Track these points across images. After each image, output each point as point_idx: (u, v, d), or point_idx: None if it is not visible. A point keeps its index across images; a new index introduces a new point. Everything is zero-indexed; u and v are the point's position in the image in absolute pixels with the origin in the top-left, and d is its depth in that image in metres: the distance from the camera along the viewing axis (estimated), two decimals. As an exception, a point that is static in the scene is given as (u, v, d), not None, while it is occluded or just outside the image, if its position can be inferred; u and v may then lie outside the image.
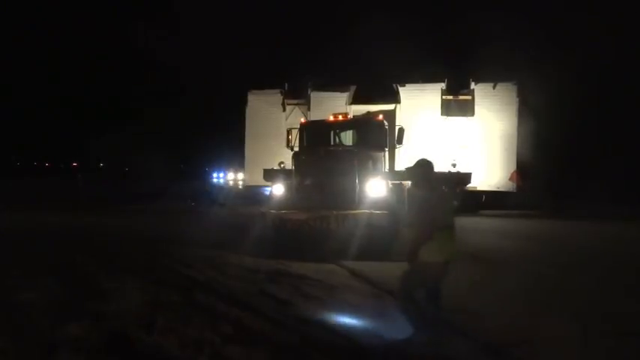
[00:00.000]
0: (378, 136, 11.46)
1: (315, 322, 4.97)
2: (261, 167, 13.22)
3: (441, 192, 4.36)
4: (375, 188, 9.44)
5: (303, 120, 12.69)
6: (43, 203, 17.73)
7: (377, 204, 8.99)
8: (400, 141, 11.73)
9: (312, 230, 8.51)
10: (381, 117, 12.16)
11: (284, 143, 18.17)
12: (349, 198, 9.13)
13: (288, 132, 12.50)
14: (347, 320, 5.09)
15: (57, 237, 10.00)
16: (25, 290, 5.33)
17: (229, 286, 6.19)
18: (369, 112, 13.04)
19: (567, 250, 9.56)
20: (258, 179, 15.72)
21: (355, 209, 8.89)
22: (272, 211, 9.01)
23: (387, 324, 4.73)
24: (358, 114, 14.44)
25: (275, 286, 6.28)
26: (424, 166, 4.35)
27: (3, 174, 29.33)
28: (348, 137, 12.18)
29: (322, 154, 10.40)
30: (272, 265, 7.57)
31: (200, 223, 13.57)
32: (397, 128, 11.85)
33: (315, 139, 11.92)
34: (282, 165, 16.32)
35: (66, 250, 8.03)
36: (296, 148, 12.44)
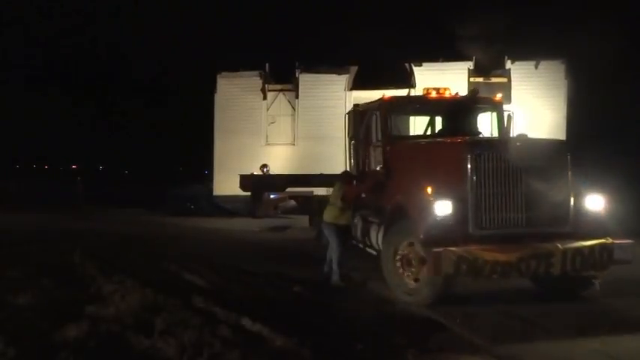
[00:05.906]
0: (499, 122, 8.49)
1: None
2: (235, 172, 12.04)
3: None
4: (595, 202, 6.68)
5: (385, 96, 8.70)
6: (42, 206, 17.82)
7: (605, 228, 6.45)
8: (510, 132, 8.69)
9: (523, 277, 6.29)
10: (499, 96, 8.98)
11: (264, 140, 15.53)
12: (562, 219, 6.52)
13: (349, 115, 9.01)
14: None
15: (56, 239, 10.41)
16: (25, 292, 5.82)
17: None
18: (474, 90, 9.44)
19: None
20: (231, 187, 13.32)
21: (577, 237, 6.33)
22: (453, 248, 6.01)
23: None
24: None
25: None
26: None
27: (2, 176, 30.27)
28: (452, 123, 8.66)
29: (514, 146, 6.77)
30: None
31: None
32: (506, 115, 8.56)
33: (402, 125, 8.81)
34: (265, 169, 13.45)
35: (65, 252, 8.52)
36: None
